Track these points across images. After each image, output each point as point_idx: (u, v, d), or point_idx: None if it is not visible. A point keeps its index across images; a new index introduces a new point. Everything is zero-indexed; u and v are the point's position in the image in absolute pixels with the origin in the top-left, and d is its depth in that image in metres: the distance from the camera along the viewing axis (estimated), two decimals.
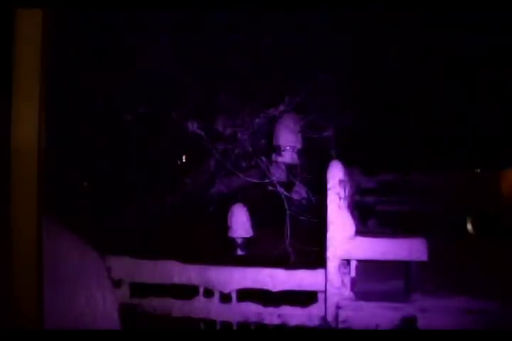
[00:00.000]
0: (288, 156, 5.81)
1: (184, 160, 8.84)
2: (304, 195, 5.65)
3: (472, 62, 8.08)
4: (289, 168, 5.92)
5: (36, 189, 1.10)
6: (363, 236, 3.90)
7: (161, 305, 4.20)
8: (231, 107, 6.38)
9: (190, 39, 6.28)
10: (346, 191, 4.11)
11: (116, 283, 4.14)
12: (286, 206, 5.13)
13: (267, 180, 5.44)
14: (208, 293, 4.15)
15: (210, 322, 4.10)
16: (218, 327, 4.07)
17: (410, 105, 8.70)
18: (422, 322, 3.61)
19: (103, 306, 1.52)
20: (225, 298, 4.11)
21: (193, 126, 5.90)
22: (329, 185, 3.92)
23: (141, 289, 4.26)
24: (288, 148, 5.84)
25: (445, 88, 8.49)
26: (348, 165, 4.65)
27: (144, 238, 5.68)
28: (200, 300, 4.14)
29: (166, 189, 7.17)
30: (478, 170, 7.69)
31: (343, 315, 3.70)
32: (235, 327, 4.05)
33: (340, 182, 3.95)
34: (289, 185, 5.74)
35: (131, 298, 4.24)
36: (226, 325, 4.07)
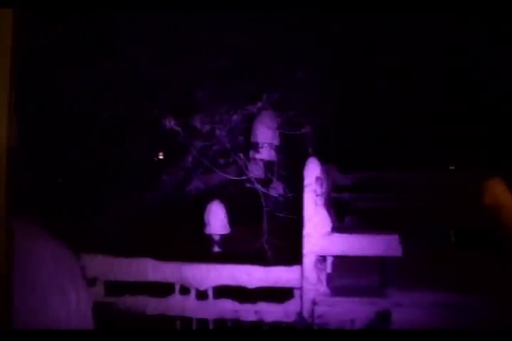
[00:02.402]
0: (265, 153, 5.82)
1: (161, 157, 8.77)
2: (281, 191, 5.66)
3: (451, 61, 8.20)
4: (267, 164, 5.93)
5: (5, 188, 1.08)
6: (340, 232, 3.94)
7: (136, 303, 4.17)
8: (209, 104, 6.36)
9: (168, 36, 6.23)
10: (323, 188, 4.14)
11: (91, 282, 4.10)
12: (264, 203, 5.14)
13: (245, 177, 5.44)
14: (184, 290, 4.14)
15: (186, 320, 4.09)
16: (194, 324, 4.07)
17: (388, 103, 8.78)
18: (396, 317, 3.67)
19: (76, 305, 1.50)
20: (202, 295, 4.10)
21: (170, 123, 5.86)
22: (306, 182, 3.95)
23: (116, 287, 4.22)
24: (266, 144, 5.84)
25: (424, 86, 8.59)
26: (325, 162, 4.68)
27: (119, 236, 5.63)
28: (175, 298, 4.13)
29: (142, 186, 7.11)
30: (453, 168, 7.82)
31: (319, 310, 3.74)
32: (211, 325, 4.05)
33: (317, 179, 3.98)
34: (266, 182, 5.75)
35: (106, 296, 4.20)
36: (202, 322, 4.07)
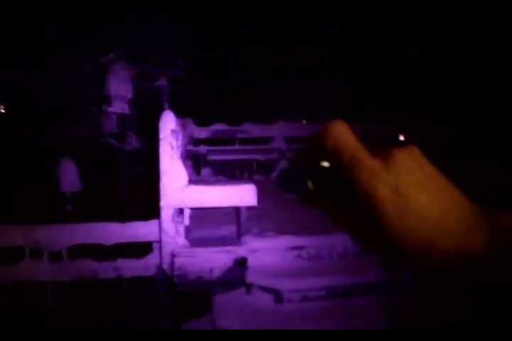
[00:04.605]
0: (118, 106, 5.55)
1: (3, 111, 8.00)
2: (137, 145, 5.51)
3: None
4: (120, 118, 5.68)
5: None
6: (196, 184, 3.97)
7: None
8: (58, 53, 5.87)
9: None
10: (179, 141, 4.11)
11: None
12: (119, 157, 4.97)
13: (97, 131, 5.18)
14: (36, 253, 3.91)
15: (40, 284, 3.89)
16: (49, 288, 3.89)
17: (246, 56, 8.86)
18: (252, 262, 3.86)
19: None
20: (55, 257, 3.91)
21: (12, 73, 5.34)
22: (161, 136, 3.88)
23: None
24: (118, 97, 5.57)
25: (286, 39, 8.78)
26: (180, 115, 4.63)
27: None
28: (26, 263, 3.89)
29: None
30: (304, 122, 8.24)
31: (178, 262, 3.79)
32: (67, 286, 3.91)
33: (173, 132, 3.92)
34: (120, 136, 5.54)
35: None
36: (58, 284, 3.91)
